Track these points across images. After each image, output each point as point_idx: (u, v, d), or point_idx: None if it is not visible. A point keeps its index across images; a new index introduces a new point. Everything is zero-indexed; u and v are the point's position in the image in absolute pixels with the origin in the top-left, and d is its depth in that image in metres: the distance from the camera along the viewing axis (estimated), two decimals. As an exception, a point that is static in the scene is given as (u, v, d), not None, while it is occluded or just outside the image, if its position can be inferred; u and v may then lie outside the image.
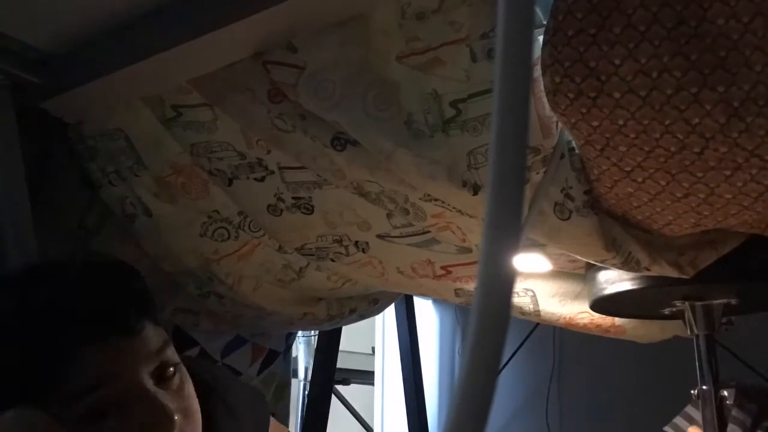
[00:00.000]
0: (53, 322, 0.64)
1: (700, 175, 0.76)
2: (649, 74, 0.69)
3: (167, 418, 0.64)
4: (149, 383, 0.66)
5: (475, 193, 0.87)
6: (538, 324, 1.81)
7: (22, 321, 0.65)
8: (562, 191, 0.87)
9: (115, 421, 0.63)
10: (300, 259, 1.30)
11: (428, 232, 1.13)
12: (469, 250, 1.16)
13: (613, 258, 0.93)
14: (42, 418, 0.60)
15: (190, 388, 0.70)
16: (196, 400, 0.70)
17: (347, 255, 1.25)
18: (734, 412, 1.22)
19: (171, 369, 0.69)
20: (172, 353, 0.70)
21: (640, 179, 0.80)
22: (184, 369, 0.71)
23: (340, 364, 2.12)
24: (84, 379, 0.63)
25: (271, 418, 0.93)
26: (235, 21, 0.86)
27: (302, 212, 1.14)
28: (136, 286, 0.72)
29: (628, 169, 0.79)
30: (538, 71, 0.75)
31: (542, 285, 1.32)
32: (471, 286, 1.32)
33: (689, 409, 1.33)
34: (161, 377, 0.68)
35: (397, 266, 1.27)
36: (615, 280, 1.06)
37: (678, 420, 1.37)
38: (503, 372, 2.16)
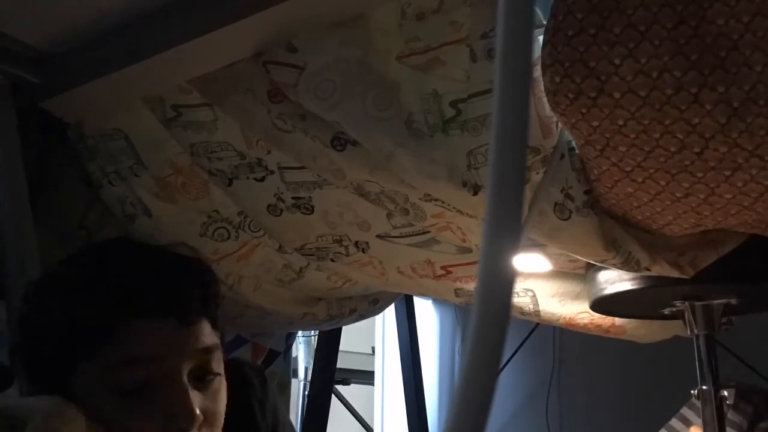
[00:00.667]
0: (120, 290, 0.67)
1: (700, 175, 0.76)
2: (649, 74, 0.69)
3: (191, 414, 0.65)
4: (185, 377, 0.67)
5: (475, 193, 0.87)
6: (538, 324, 1.81)
7: (94, 284, 0.68)
8: (562, 191, 0.87)
9: (143, 401, 0.65)
10: (300, 259, 1.30)
11: (428, 232, 1.13)
12: (469, 250, 1.16)
13: (613, 258, 0.93)
14: (70, 408, 0.61)
15: (223, 400, 0.71)
16: (224, 410, 0.71)
17: (347, 255, 1.25)
18: (730, 414, 1.22)
19: (211, 376, 0.70)
20: (218, 362, 0.71)
21: (640, 179, 0.80)
22: (224, 383, 0.72)
23: (340, 364, 2.12)
24: (129, 350, 0.65)
25: None
26: (235, 21, 0.86)
27: (302, 212, 1.14)
28: (207, 283, 0.74)
29: (628, 169, 0.79)
30: (538, 71, 0.75)
31: (542, 285, 1.32)
32: (471, 286, 1.32)
33: (685, 411, 1.33)
34: (200, 378, 0.69)
35: (397, 266, 1.27)
36: (615, 280, 1.06)
37: (673, 422, 1.37)
38: (503, 372, 2.16)
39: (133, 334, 0.66)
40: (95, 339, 0.65)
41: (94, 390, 0.65)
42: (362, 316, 1.64)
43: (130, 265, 0.70)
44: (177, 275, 0.71)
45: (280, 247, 1.27)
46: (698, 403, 1.13)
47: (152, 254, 0.74)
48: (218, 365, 0.71)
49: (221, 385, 0.71)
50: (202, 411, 0.66)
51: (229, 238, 1.23)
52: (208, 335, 0.70)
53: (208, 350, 0.70)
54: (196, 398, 0.67)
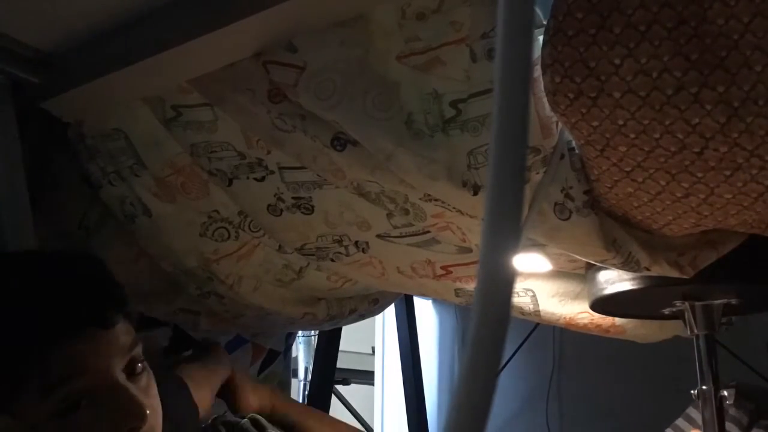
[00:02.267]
0: (26, 315, 0.65)
1: (700, 175, 0.76)
2: (649, 74, 0.69)
3: (139, 409, 0.65)
4: (121, 376, 0.67)
5: (475, 193, 0.87)
6: (538, 324, 1.81)
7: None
8: (562, 191, 0.87)
9: (87, 412, 0.64)
10: (300, 259, 1.30)
11: (428, 232, 1.13)
12: (469, 250, 1.16)
13: (613, 258, 0.93)
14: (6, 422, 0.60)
15: (155, 395, 0.71)
16: (160, 406, 0.71)
17: (347, 255, 1.25)
18: (731, 411, 1.22)
19: (140, 365, 0.69)
20: (139, 351, 0.71)
21: (640, 179, 0.80)
22: (151, 373, 0.72)
23: (340, 364, 2.12)
24: (57, 370, 0.64)
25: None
26: (235, 21, 0.86)
27: (302, 212, 1.14)
28: (110, 279, 0.72)
29: (628, 169, 0.79)
30: (538, 71, 0.75)
31: (542, 285, 1.32)
32: (471, 286, 1.32)
33: (690, 411, 1.33)
34: (131, 373, 0.68)
35: (397, 266, 1.27)
36: (615, 280, 1.06)
37: (679, 422, 1.37)
38: (503, 372, 2.16)
39: (57, 357, 0.64)
40: (15, 374, 0.63)
41: (36, 413, 0.63)
42: (362, 316, 1.64)
43: (36, 284, 0.67)
44: (85, 283, 0.69)
45: (280, 247, 1.27)
46: None
47: (45, 271, 0.70)
48: (141, 354, 0.70)
49: (150, 373, 0.71)
50: (146, 406, 0.66)
51: (229, 238, 1.23)
52: (126, 331, 0.69)
53: (132, 346, 0.69)
54: (139, 395, 0.66)
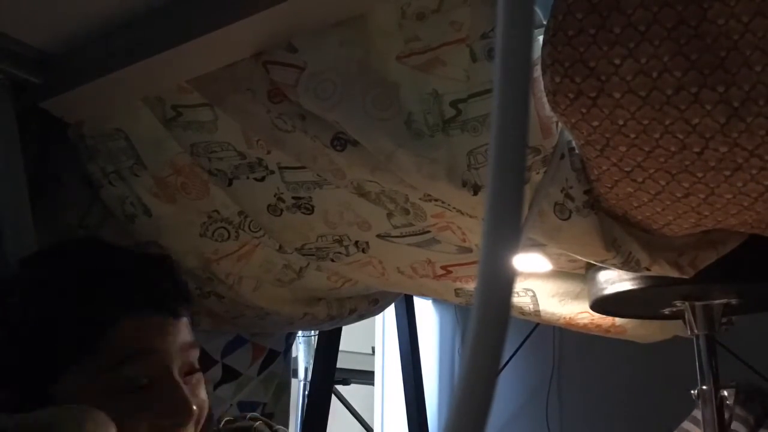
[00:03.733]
0: (112, 289, 0.67)
1: (700, 175, 0.76)
2: (649, 74, 0.69)
3: (188, 408, 0.65)
4: (177, 371, 0.68)
5: (475, 193, 0.87)
6: (538, 324, 1.81)
7: (79, 283, 0.67)
8: (562, 191, 0.87)
9: (139, 395, 0.64)
10: (300, 259, 1.30)
11: (428, 231, 1.13)
12: (469, 250, 1.16)
13: (614, 258, 0.93)
14: (87, 412, 0.59)
15: (204, 391, 0.72)
16: (207, 408, 0.72)
17: (347, 255, 1.25)
18: (737, 410, 1.22)
19: (194, 372, 0.70)
20: (197, 355, 0.72)
21: (640, 179, 0.80)
22: (202, 378, 0.73)
23: (340, 364, 2.11)
24: (125, 347, 0.65)
25: None
26: (235, 21, 0.86)
27: (302, 212, 1.14)
28: (182, 278, 0.75)
29: (628, 169, 0.79)
30: (538, 71, 0.75)
31: (542, 285, 1.32)
32: (471, 286, 1.32)
33: (696, 413, 1.33)
34: (186, 372, 0.69)
35: (397, 266, 1.27)
36: (615, 280, 1.06)
37: (686, 424, 1.37)
38: (503, 372, 2.16)
39: (126, 331, 0.65)
40: (85, 341, 0.64)
41: (83, 392, 0.63)
42: (362, 316, 1.64)
43: (110, 263, 0.70)
44: (159, 270, 0.72)
45: (280, 247, 1.27)
46: None
47: (126, 252, 0.74)
48: (197, 362, 0.72)
49: (201, 380, 0.72)
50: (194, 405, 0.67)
51: (229, 238, 1.23)
52: (190, 330, 0.71)
53: (193, 345, 0.71)
54: (189, 394, 0.67)
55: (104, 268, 0.69)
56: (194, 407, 0.66)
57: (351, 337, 2.36)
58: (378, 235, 1.17)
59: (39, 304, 0.67)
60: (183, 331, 0.70)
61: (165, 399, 0.65)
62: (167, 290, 0.70)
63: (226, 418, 0.96)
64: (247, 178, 1.10)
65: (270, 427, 0.93)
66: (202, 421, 0.71)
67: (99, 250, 0.73)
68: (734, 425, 1.14)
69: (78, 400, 0.62)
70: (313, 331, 2.32)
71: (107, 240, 0.81)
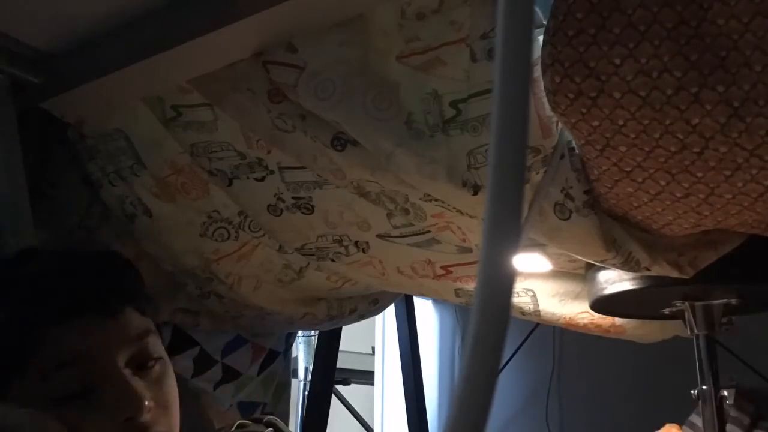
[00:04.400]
0: (31, 299, 0.65)
1: (700, 175, 0.76)
2: (650, 74, 0.69)
3: (136, 399, 0.63)
4: (122, 367, 0.66)
5: (475, 193, 0.87)
6: (538, 324, 1.81)
7: (2, 298, 0.66)
8: (562, 191, 0.87)
9: (85, 401, 0.63)
10: (300, 259, 1.30)
11: (428, 231, 1.13)
12: (469, 250, 1.17)
13: (613, 258, 0.93)
14: (52, 421, 0.59)
15: (171, 383, 0.70)
16: (177, 395, 0.70)
17: (347, 255, 1.25)
18: (732, 412, 1.22)
19: (152, 361, 0.68)
20: (155, 345, 0.70)
21: (640, 179, 0.80)
22: (169, 364, 0.71)
23: (340, 364, 2.11)
24: (56, 356, 0.63)
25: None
26: (235, 21, 0.86)
27: (302, 212, 1.14)
28: (122, 272, 0.72)
29: (628, 169, 0.79)
30: (538, 71, 0.75)
31: (542, 285, 1.32)
32: (471, 286, 1.32)
33: (693, 418, 1.33)
34: (140, 366, 0.67)
35: (397, 266, 1.27)
36: (615, 280, 1.06)
37: (684, 429, 1.36)
38: (503, 372, 2.16)
39: (57, 339, 0.64)
40: (15, 356, 0.63)
41: (30, 403, 0.61)
42: (362, 316, 1.63)
43: (38, 271, 0.68)
44: (88, 271, 0.69)
45: (281, 247, 1.27)
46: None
47: (58, 256, 0.72)
48: (156, 350, 0.70)
49: (165, 368, 0.70)
50: (151, 399, 0.65)
51: (229, 238, 1.23)
52: (134, 322, 0.69)
53: (140, 337, 0.68)
54: (139, 385, 0.65)
55: (28, 279, 0.67)
56: (145, 398, 0.64)
57: (351, 337, 2.36)
58: (378, 235, 1.17)
59: None
60: (125, 326, 0.67)
61: (111, 397, 0.63)
62: (95, 292, 0.67)
63: (239, 421, 0.95)
64: (247, 178, 1.10)
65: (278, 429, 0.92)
66: (173, 412, 0.68)
67: (26, 261, 0.71)
68: (729, 428, 1.14)
69: (31, 405, 0.61)
70: (313, 331, 2.32)
71: (48, 249, 0.79)
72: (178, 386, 0.73)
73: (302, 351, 2.58)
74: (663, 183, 0.79)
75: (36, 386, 0.63)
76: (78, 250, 0.76)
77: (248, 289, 1.33)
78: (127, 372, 0.66)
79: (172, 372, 0.71)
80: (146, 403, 0.64)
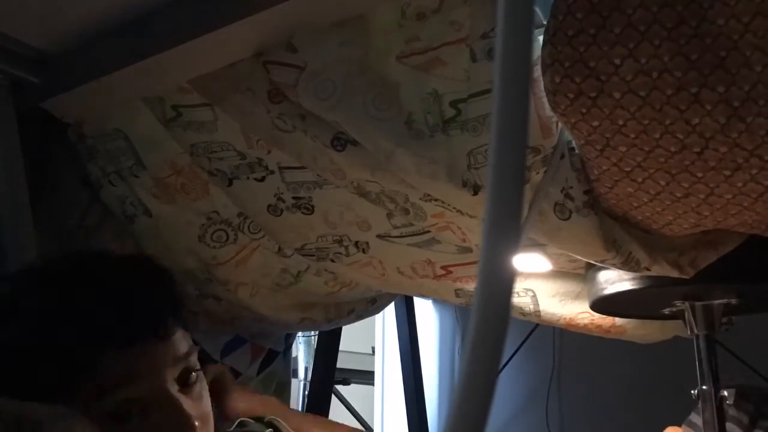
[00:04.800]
0: (89, 321, 0.64)
1: (700, 175, 0.76)
2: (650, 74, 0.69)
3: (188, 422, 0.65)
4: (173, 388, 0.67)
5: (475, 194, 0.87)
6: (538, 324, 1.81)
7: (61, 316, 0.65)
8: (562, 191, 0.87)
9: (137, 422, 0.64)
10: (298, 263, 1.30)
11: (428, 231, 1.13)
12: (469, 250, 1.16)
13: (613, 258, 0.93)
14: (77, 416, 0.58)
15: (207, 395, 0.71)
16: (210, 406, 0.71)
17: (347, 255, 1.25)
18: (731, 411, 1.22)
19: (194, 375, 0.69)
20: (195, 359, 0.71)
21: (640, 179, 0.80)
22: (203, 376, 0.72)
23: (340, 364, 2.11)
24: (112, 375, 0.63)
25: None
26: (235, 21, 0.86)
27: (302, 212, 1.14)
28: (172, 290, 0.72)
29: (628, 169, 0.79)
30: (538, 71, 0.75)
31: (542, 285, 1.32)
32: (471, 286, 1.32)
33: (693, 417, 1.33)
34: (185, 383, 0.68)
35: (397, 266, 1.27)
36: (615, 280, 1.06)
37: (683, 428, 1.36)
38: (503, 372, 2.16)
39: (113, 363, 0.64)
40: (71, 376, 0.63)
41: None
42: (360, 316, 1.64)
43: (94, 292, 0.66)
44: (148, 293, 0.69)
45: (280, 249, 1.27)
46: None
47: (113, 274, 0.69)
48: (196, 362, 0.71)
49: (203, 381, 0.71)
50: (197, 417, 0.66)
51: (227, 240, 1.23)
52: (182, 341, 0.70)
53: (186, 355, 0.69)
54: (188, 405, 0.66)
55: (90, 297, 0.65)
56: (196, 422, 0.65)
57: (351, 337, 2.36)
58: (378, 236, 1.17)
59: (14, 336, 0.64)
60: (175, 347, 0.68)
61: (164, 418, 0.64)
62: (154, 316, 0.67)
63: (240, 419, 0.95)
64: (247, 178, 1.10)
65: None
66: (211, 424, 0.70)
67: (82, 277, 0.69)
68: (728, 426, 1.14)
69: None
70: (313, 331, 2.32)
71: (99, 250, 0.77)
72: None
73: (302, 351, 2.58)
74: (663, 183, 0.79)
75: (92, 403, 0.63)
76: (136, 260, 0.74)
77: (245, 294, 1.33)
78: (175, 391, 0.66)
79: (206, 382, 0.72)
80: (196, 423, 0.65)
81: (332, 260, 1.27)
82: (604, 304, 1.14)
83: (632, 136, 0.74)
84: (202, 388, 0.71)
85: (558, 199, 0.87)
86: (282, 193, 1.12)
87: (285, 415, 1.00)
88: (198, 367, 0.71)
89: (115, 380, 0.64)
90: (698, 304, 1.11)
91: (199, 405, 0.69)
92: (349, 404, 2.75)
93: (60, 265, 0.71)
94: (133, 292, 0.68)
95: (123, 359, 0.64)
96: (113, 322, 0.65)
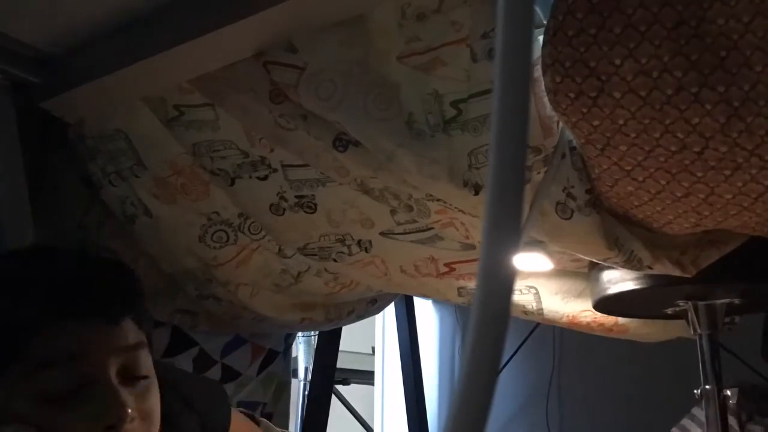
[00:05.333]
0: (36, 293, 0.65)
1: (700, 174, 0.76)
2: (650, 74, 0.69)
3: (120, 408, 0.64)
4: (113, 374, 0.66)
5: (476, 193, 0.87)
6: (538, 324, 1.81)
7: (9, 289, 0.66)
8: (563, 190, 0.87)
9: (69, 402, 0.63)
10: (299, 264, 1.30)
11: (432, 228, 1.13)
12: (472, 247, 1.16)
13: (616, 256, 0.93)
14: None
15: (155, 399, 0.70)
16: (159, 412, 0.70)
17: (350, 255, 1.25)
18: (732, 406, 1.23)
19: (143, 372, 0.69)
20: (146, 359, 0.70)
21: (640, 178, 0.80)
22: (155, 382, 0.71)
23: (340, 364, 2.11)
24: (50, 352, 0.63)
25: (237, 411, 0.93)
26: (235, 21, 0.86)
27: (305, 211, 1.14)
28: (128, 283, 0.73)
29: (629, 168, 0.79)
30: (538, 71, 0.75)
31: (545, 282, 1.32)
32: (474, 284, 1.32)
33: (695, 410, 1.33)
34: (128, 377, 0.67)
35: (400, 265, 1.27)
36: (618, 280, 1.06)
37: (684, 422, 1.37)
38: (503, 372, 2.16)
39: (55, 336, 0.64)
40: (12, 345, 0.63)
41: (14, 398, 0.62)
42: (361, 317, 1.63)
43: (48, 269, 0.69)
44: (97, 275, 0.70)
45: (280, 249, 1.27)
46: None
47: (69, 258, 0.72)
48: (146, 364, 0.70)
49: (151, 385, 0.70)
50: (135, 409, 0.65)
51: (227, 241, 1.22)
52: (132, 333, 0.69)
53: (134, 347, 0.69)
54: (125, 394, 0.65)
55: (30, 277, 0.67)
56: (129, 409, 0.64)
57: (351, 337, 2.36)
58: (381, 233, 1.17)
59: None
60: (120, 335, 0.67)
61: (96, 401, 0.63)
62: (101, 297, 0.68)
63: None
64: (250, 177, 1.10)
65: None
66: (153, 428, 0.69)
67: (36, 258, 0.71)
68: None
69: (7, 408, 0.62)
70: (312, 331, 2.32)
71: (56, 247, 0.79)
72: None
73: (302, 351, 2.58)
74: (663, 182, 0.79)
75: (25, 380, 0.63)
76: (90, 254, 0.77)
77: (246, 295, 1.33)
78: (115, 380, 0.66)
79: (158, 390, 0.71)
80: (129, 412, 0.64)
81: (335, 260, 1.27)
82: (607, 304, 1.14)
83: (632, 135, 0.74)
84: (150, 391, 0.69)
85: (560, 198, 0.87)
86: (285, 192, 1.12)
87: None
88: (146, 373, 0.69)
89: (54, 355, 0.63)
90: (701, 303, 1.11)
91: (140, 402, 0.67)
92: (349, 404, 2.75)
93: (23, 250, 0.74)
94: (86, 272, 0.69)
95: (65, 335, 0.64)
96: (60, 293, 0.66)
